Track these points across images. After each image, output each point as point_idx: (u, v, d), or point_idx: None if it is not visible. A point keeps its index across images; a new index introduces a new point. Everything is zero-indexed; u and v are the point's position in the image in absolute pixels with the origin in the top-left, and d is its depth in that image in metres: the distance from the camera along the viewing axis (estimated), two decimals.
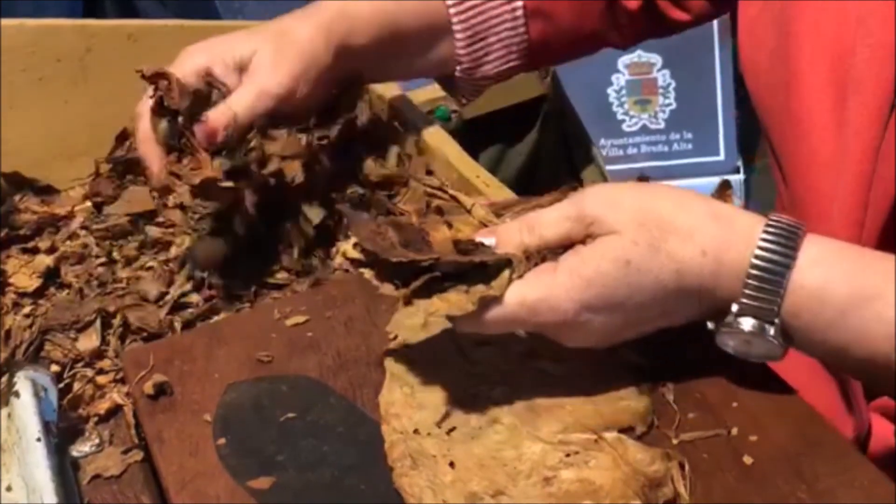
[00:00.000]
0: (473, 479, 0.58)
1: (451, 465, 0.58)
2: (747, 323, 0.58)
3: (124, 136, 0.93)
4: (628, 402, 0.62)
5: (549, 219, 0.60)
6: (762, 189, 2.33)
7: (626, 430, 0.60)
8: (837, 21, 0.69)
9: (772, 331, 0.57)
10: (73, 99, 0.94)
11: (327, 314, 0.72)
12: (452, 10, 0.86)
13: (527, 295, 0.57)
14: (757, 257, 0.57)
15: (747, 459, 0.58)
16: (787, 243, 0.57)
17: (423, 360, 0.66)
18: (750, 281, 0.57)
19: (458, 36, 0.87)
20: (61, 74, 0.92)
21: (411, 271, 0.57)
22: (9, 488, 0.60)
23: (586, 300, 0.57)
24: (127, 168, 0.93)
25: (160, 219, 0.88)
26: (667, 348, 0.65)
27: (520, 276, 0.58)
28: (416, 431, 0.61)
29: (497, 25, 0.87)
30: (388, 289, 0.59)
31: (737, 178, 2.40)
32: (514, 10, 0.87)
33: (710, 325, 0.60)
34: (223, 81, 0.79)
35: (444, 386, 0.63)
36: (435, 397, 0.63)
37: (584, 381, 0.63)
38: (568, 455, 0.58)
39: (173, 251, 0.84)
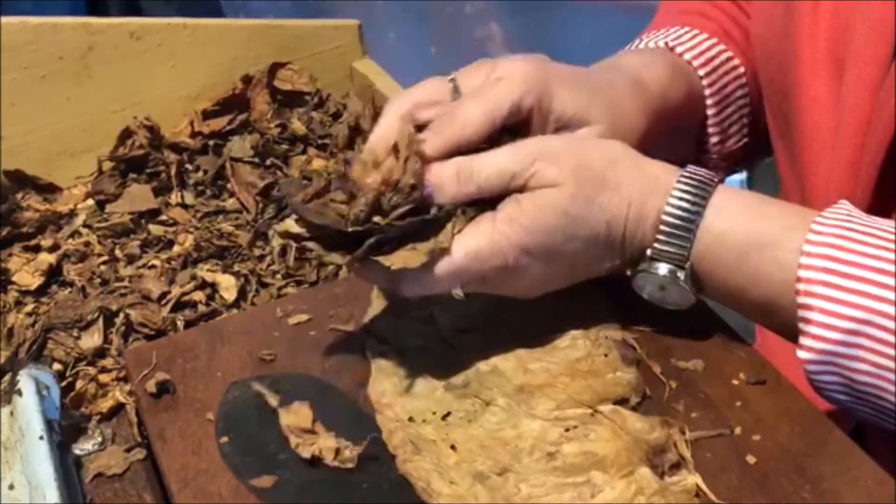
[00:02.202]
0: (478, 459, 0.58)
1: (453, 447, 0.59)
2: (661, 268, 0.62)
3: (127, 134, 0.94)
4: (617, 374, 0.63)
5: (489, 171, 0.61)
6: (766, 188, 2.33)
7: (620, 402, 0.61)
8: None
9: (682, 275, 0.61)
10: (75, 97, 0.94)
11: (330, 313, 0.71)
12: (702, 72, 0.78)
13: (470, 244, 0.60)
14: (670, 205, 0.61)
15: (751, 459, 0.58)
16: (699, 193, 0.61)
17: (408, 351, 0.66)
18: (662, 227, 0.61)
19: (710, 102, 0.78)
20: (64, 72, 0.92)
21: (356, 237, 0.59)
22: (11, 486, 0.60)
23: (527, 246, 0.61)
24: (129, 166, 0.93)
25: (162, 217, 0.89)
26: (668, 347, 0.65)
27: (459, 231, 0.61)
28: (410, 419, 0.61)
29: (735, 91, 0.80)
30: (335, 258, 0.60)
31: (739, 177, 2.40)
32: (736, 68, 0.80)
33: (628, 271, 0.64)
34: None
35: (432, 375, 0.64)
36: (425, 386, 0.64)
37: (570, 360, 0.64)
38: (567, 430, 0.59)
39: (176, 249, 0.84)
